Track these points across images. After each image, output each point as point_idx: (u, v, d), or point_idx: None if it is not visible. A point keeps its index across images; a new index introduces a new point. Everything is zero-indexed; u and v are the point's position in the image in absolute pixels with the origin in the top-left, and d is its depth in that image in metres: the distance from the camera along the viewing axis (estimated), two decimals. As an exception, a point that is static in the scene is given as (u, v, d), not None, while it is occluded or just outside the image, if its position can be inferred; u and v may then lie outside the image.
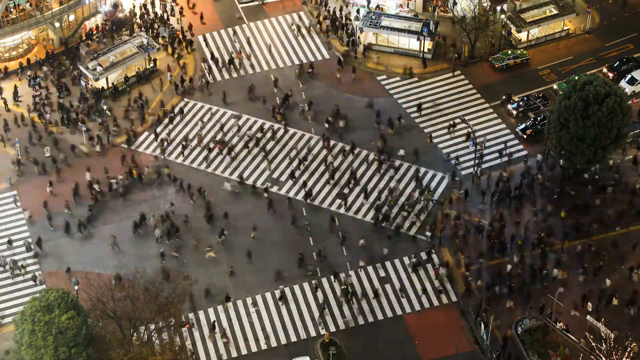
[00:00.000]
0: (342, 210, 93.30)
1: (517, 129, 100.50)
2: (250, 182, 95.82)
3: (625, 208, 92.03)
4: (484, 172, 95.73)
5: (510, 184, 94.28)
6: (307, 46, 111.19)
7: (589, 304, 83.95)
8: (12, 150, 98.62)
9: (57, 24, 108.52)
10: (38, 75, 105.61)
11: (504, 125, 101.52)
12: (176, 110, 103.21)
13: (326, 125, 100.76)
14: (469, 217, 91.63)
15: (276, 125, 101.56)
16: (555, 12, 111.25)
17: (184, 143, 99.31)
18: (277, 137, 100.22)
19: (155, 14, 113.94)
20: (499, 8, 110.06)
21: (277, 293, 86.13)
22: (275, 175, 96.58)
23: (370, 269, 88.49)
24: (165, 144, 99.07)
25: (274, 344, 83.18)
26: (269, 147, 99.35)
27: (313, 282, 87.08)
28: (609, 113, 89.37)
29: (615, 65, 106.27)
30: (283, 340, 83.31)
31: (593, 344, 78.30)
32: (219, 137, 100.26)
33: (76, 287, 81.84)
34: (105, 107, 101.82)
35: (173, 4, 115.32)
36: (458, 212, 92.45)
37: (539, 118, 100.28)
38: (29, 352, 72.08)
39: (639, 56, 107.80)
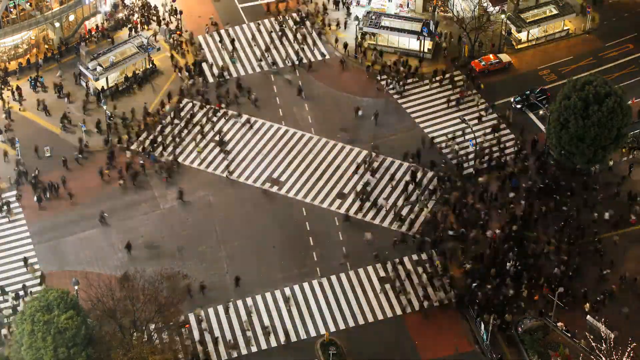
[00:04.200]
0: (342, 210, 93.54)
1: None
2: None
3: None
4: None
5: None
6: (307, 46, 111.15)
7: (587, 304, 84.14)
8: (12, 150, 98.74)
9: (57, 24, 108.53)
10: (40, 76, 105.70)
11: (503, 125, 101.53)
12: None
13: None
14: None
15: (276, 125, 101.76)
16: (555, 12, 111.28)
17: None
18: (278, 136, 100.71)
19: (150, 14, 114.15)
20: (499, 8, 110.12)
21: (278, 294, 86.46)
22: (276, 175, 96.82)
23: (370, 268, 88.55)
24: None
25: (274, 344, 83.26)
26: (269, 147, 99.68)
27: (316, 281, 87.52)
28: (609, 113, 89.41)
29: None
30: (283, 340, 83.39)
31: (593, 344, 78.36)
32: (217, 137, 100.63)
33: (76, 287, 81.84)
34: (105, 107, 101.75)
35: (173, 3, 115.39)
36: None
37: None
38: (29, 353, 72.08)
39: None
